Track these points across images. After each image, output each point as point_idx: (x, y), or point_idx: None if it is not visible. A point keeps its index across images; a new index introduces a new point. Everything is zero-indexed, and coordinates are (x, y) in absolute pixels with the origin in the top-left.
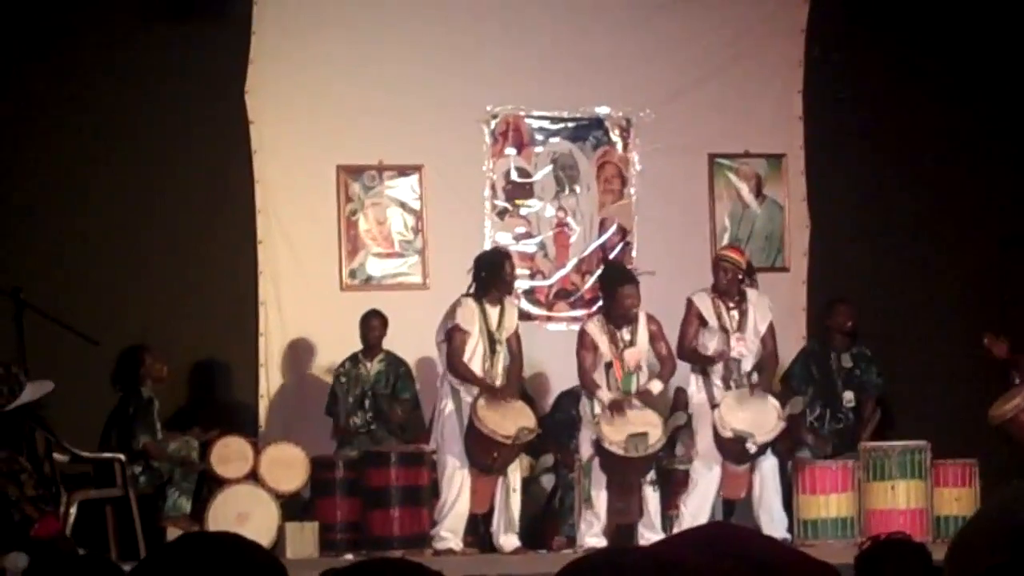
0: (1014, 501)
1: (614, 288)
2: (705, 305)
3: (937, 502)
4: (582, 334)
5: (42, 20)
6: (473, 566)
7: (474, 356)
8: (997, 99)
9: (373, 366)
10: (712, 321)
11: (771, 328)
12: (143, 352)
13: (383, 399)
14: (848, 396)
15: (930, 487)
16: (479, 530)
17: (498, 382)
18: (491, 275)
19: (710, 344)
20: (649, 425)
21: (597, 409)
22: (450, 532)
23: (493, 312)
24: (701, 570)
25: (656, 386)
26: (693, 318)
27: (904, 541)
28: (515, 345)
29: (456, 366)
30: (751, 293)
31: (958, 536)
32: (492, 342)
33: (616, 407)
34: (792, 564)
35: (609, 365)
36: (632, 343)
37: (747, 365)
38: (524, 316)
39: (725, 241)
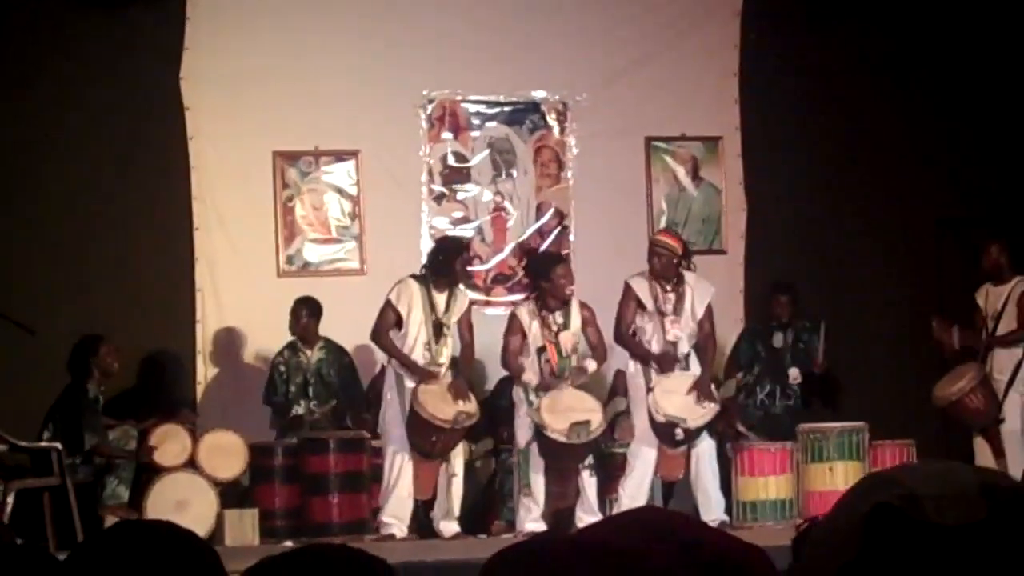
0: (863, 494)
1: (548, 272)
2: (642, 288)
3: None
4: (512, 318)
5: None
6: (413, 552)
7: (417, 341)
8: (934, 81)
9: (314, 353)
10: (649, 304)
11: (709, 310)
12: (99, 343)
13: (333, 394)
14: (794, 373)
15: (868, 468)
16: (419, 516)
17: (443, 368)
18: (446, 262)
19: (647, 328)
20: (590, 411)
21: (533, 396)
22: (393, 518)
23: (440, 298)
24: (628, 553)
25: (591, 364)
26: (630, 301)
27: None
28: (466, 331)
29: (380, 339)
30: (689, 276)
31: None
32: (438, 327)
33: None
34: (721, 546)
35: (541, 349)
36: (566, 326)
37: (684, 348)
38: None
39: (662, 224)
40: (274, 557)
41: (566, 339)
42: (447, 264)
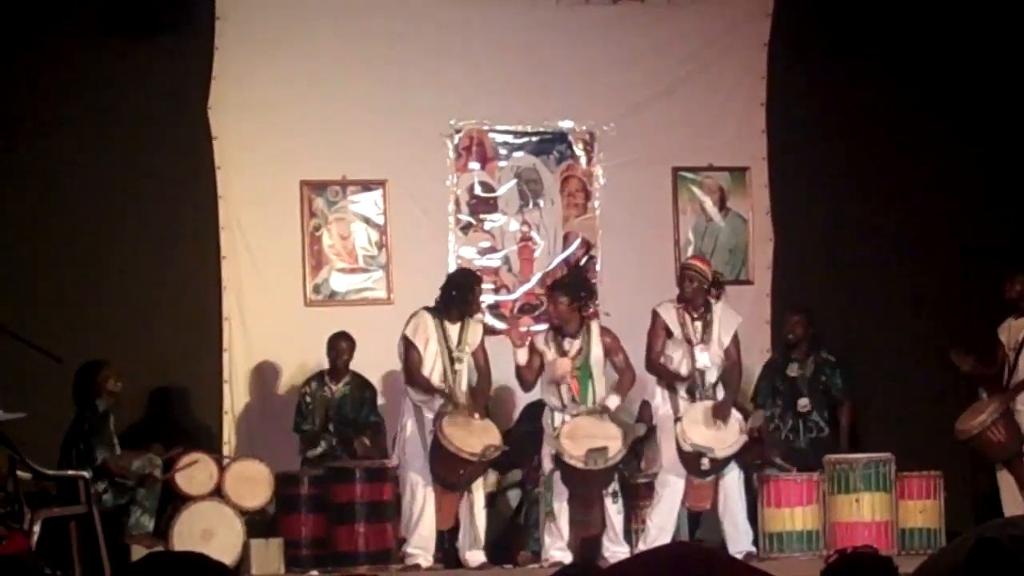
0: (979, 532)
1: (551, 298)
2: (670, 316)
3: (902, 515)
4: (530, 345)
5: (2, 33)
6: None
7: (433, 372)
8: (960, 110)
9: (338, 389)
10: (676, 332)
11: (735, 339)
12: (100, 366)
13: (349, 426)
14: (803, 403)
15: (895, 499)
16: (444, 546)
17: (460, 400)
18: (459, 295)
19: (675, 356)
20: (609, 438)
21: (556, 422)
22: (419, 549)
23: (453, 329)
24: None
25: (613, 401)
26: (659, 331)
27: (871, 555)
28: (482, 361)
29: (413, 377)
30: (716, 304)
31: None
32: (452, 359)
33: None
34: None
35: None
36: (580, 352)
37: (711, 377)
38: (488, 331)
39: (690, 254)
40: None
41: (559, 366)
42: (463, 296)
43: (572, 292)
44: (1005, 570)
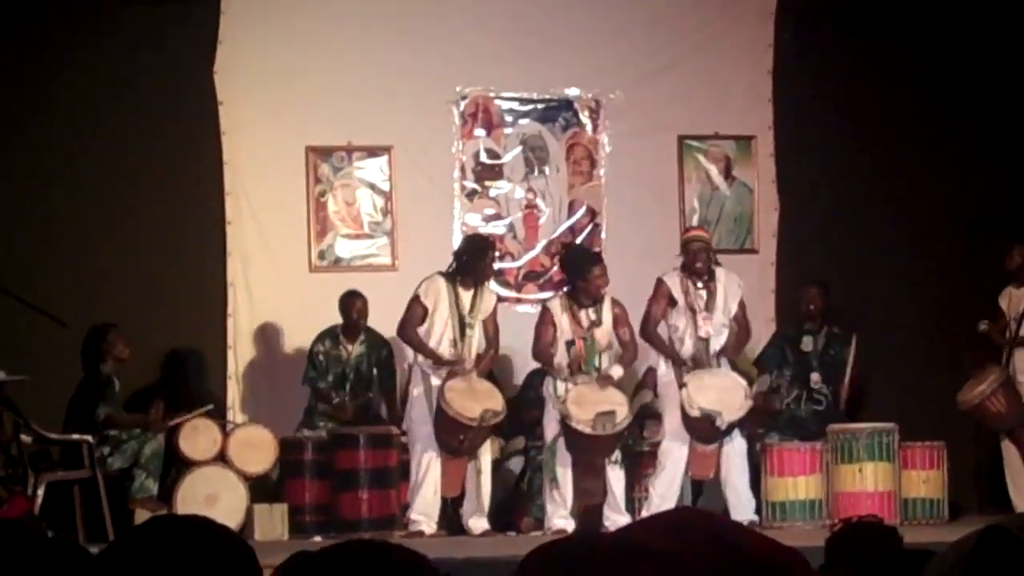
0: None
1: (584, 270)
2: (674, 284)
3: (905, 484)
4: (544, 311)
5: (7, 1)
6: (441, 548)
7: (443, 337)
8: (967, 82)
9: (354, 348)
10: (680, 300)
11: (742, 305)
12: (108, 330)
13: (367, 388)
14: (815, 378)
15: (898, 469)
16: (448, 512)
17: (467, 365)
18: (472, 260)
19: (679, 324)
20: (616, 404)
21: (560, 389)
22: (422, 515)
23: (466, 295)
24: (671, 556)
25: (617, 371)
26: (661, 298)
27: (876, 524)
28: (491, 329)
29: (407, 333)
30: (719, 272)
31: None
32: (463, 325)
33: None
34: (761, 550)
35: (571, 343)
36: (598, 323)
37: (716, 345)
38: None
39: (695, 223)
40: (313, 553)
41: (601, 335)
42: (475, 261)
43: (602, 261)
44: (1013, 558)
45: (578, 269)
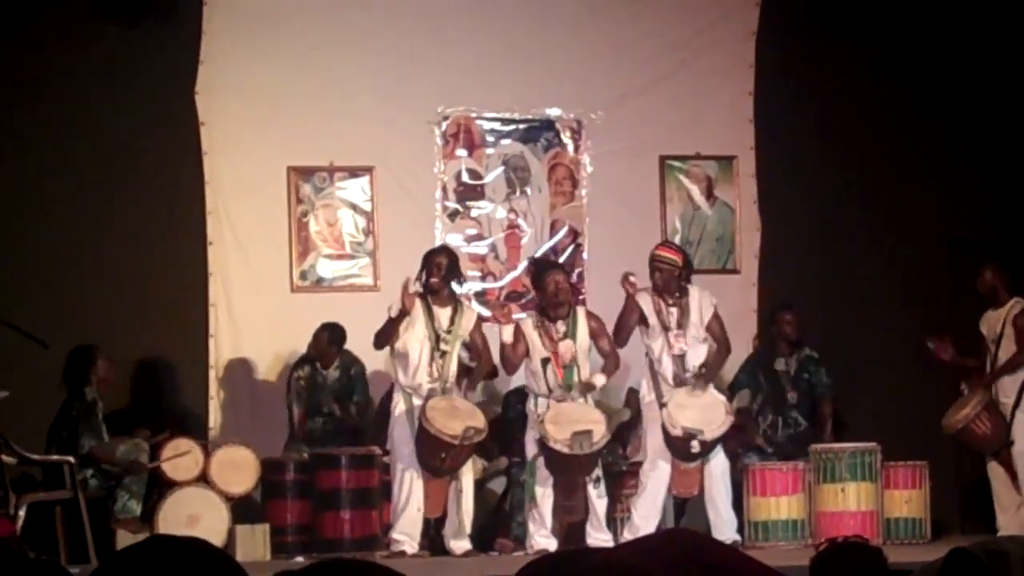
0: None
1: (543, 278)
2: (646, 304)
3: (887, 504)
4: (515, 327)
5: None
6: (424, 569)
7: (421, 357)
8: (948, 101)
9: (330, 373)
10: (652, 319)
11: (716, 316)
12: (95, 352)
13: (338, 403)
14: (792, 397)
15: (880, 489)
16: (430, 533)
17: (448, 384)
18: (423, 270)
19: (654, 345)
20: (593, 422)
21: (540, 408)
22: (404, 535)
23: (443, 313)
24: None
25: (599, 379)
26: (632, 310)
27: (862, 544)
28: (479, 343)
29: (378, 336)
30: (692, 289)
31: None
32: (439, 342)
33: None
34: (746, 572)
35: (546, 361)
36: (569, 336)
37: (693, 360)
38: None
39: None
40: (295, 572)
41: (565, 348)
42: (425, 272)
43: (561, 267)
44: None
45: (538, 278)
